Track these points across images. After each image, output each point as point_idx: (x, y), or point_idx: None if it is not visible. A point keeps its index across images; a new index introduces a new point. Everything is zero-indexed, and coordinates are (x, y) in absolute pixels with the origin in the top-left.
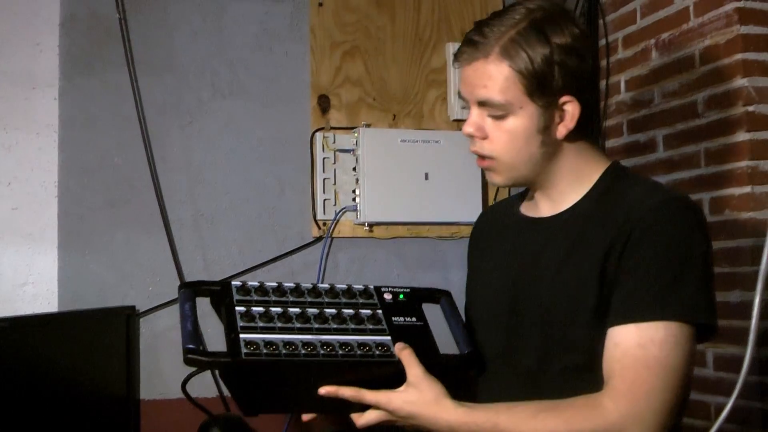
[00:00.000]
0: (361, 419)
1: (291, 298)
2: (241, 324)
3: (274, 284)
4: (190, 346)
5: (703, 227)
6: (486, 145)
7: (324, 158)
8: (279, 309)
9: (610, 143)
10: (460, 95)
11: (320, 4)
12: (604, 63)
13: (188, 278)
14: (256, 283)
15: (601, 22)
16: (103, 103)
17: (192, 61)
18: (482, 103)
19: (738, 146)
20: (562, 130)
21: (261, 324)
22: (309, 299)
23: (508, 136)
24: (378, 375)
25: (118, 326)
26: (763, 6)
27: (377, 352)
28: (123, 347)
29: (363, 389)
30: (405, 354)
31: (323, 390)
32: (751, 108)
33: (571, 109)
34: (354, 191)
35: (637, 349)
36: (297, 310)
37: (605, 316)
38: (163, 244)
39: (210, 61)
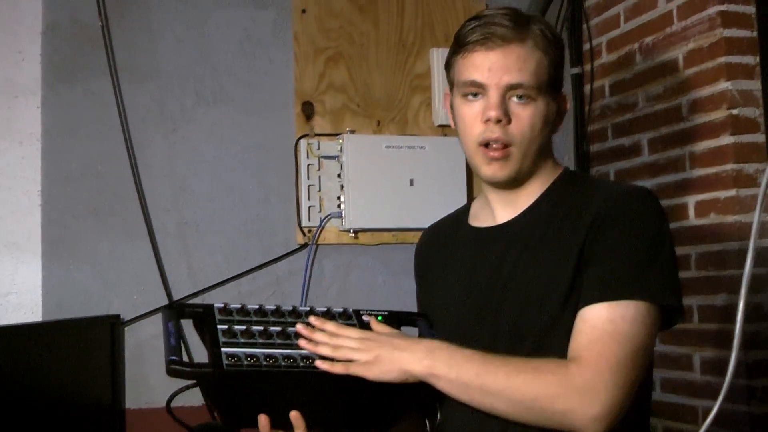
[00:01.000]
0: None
1: (272, 319)
2: (223, 339)
3: (255, 306)
4: (173, 357)
5: (665, 215)
6: (510, 129)
7: (308, 165)
8: (260, 327)
9: (595, 148)
10: (470, 83)
11: (303, 11)
12: (588, 67)
13: (173, 286)
14: (237, 305)
15: (584, 26)
16: (86, 111)
17: (175, 68)
18: (512, 87)
19: (722, 149)
20: (558, 125)
21: (242, 340)
22: (289, 320)
23: (530, 121)
24: (353, 385)
25: (102, 335)
26: (746, 9)
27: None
28: (108, 356)
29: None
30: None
31: (299, 327)
32: (735, 111)
33: (565, 106)
34: (339, 198)
35: (607, 323)
36: (278, 328)
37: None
38: (148, 253)
39: (193, 68)
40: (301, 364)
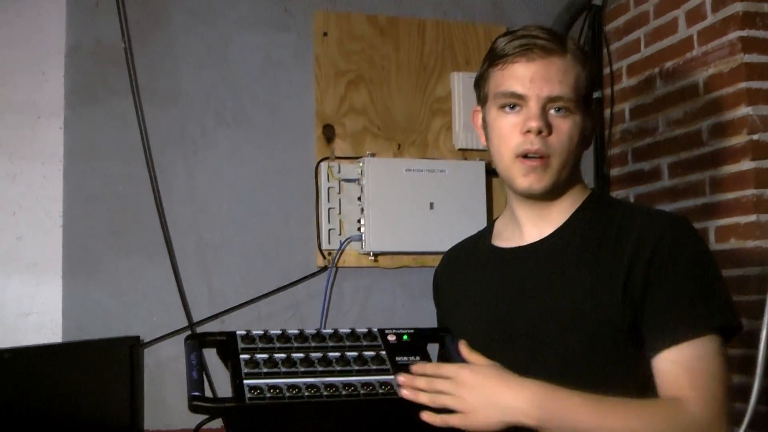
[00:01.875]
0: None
1: (295, 344)
2: (246, 371)
3: (278, 332)
4: (195, 393)
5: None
6: (550, 141)
7: (329, 188)
8: (283, 355)
9: (615, 172)
10: (509, 94)
11: (325, 34)
12: (608, 91)
13: (193, 308)
14: (260, 332)
15: (605, 50)
16: (108, 133)
17: (197, 91)
18: (552, 99)
19: (743, 175)
20: (590, 141)
21: (265, 370)
22: (313, 344)
23: (569, 133)
24: (383, 413)
25: (122, 356)
26: (766, 35)
27: (380, 391)
28: (127, 377)
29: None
30: (462, 347)
31: (400, 378)
32: (755, 136)
33: (597, 122)
34: (359, 221)
35: (699, 362)
36: (301, 355)
37: (632, 339)
38: (168, 274)
39: (215, 91)
40: (325, 393)
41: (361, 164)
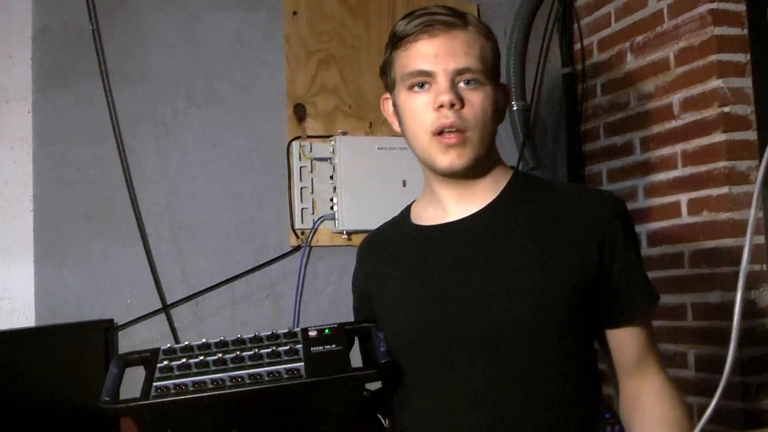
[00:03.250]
0: None
1: (214, 350)
2: (158, 375)
3: (200, 342)
4: (105, 398)
5: None
6: (464, 113)
7: (301, 167)
8: (198, 359)
9: (588, 147)
10: (416, 73)
11: (294, 13)
12: (579, 67)
13: (167, 290)
14: (183, 344)
15: (575, 26)
16: (78, 116)
17: (167, 72)
18: (460, 72)
19: (714, 147)
20: (503, 114)
21: (177, 373)
22: (232, 347)
23: (482, 105)
24: (290, 399)
25: (96, 340)
26: (737, 7)
27: (286, 376)
28: (102, 361)
29: None
30: None
31: None
32: (726, 109)
33: (508, 97)
34: (332, 200)
35: (651, 331)
36: (215, 357)
37: (577, 313)
38: (141, 257)
39: (185, 72)
40: (229, 384)
41: (332, 143)
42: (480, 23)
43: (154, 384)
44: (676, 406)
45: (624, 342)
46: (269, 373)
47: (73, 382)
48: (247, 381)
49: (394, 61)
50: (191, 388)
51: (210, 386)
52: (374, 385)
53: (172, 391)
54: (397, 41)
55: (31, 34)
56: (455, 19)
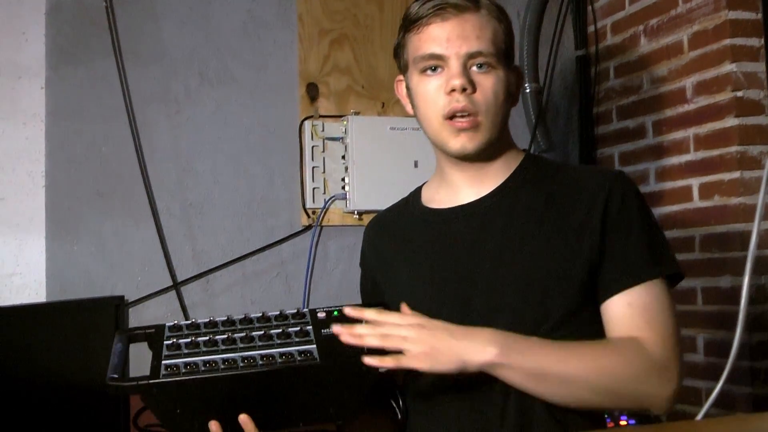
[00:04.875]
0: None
1: (221, 328)
2: (166, 353)
3: (206, 319)
4: (113, 375)
5: None
6: (475, 97)
7: (313, 147)
8: (206, 338)
9: (600, 130)
10: (428, 56)
11: None
12: (593, 50)
13: (177, 268)
14: (188, 322)
15: (589, 8)
16: (90, 93)
17: (179, 50)
18: (472, 56)
19: (727, 131)
20: (517, 97)
21: (186, 351)
22: (239, 326)
23: (494, 89)
24: (302, 380)
25: (106, 316)
26: None
27: (299, 358)
28: (112, 337)
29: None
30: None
31: (334, 328)
32: (739, 93)
33: (520, 79)
34: (343, 179)
35: (654, 303)
36: (224, 336)
37: (586, 293)
38: (152, 234)
39: (198, 50)
40: (241, 364)
41: (345, 123)
42: (493, 5)
43: (164, 362)
44: (627, 352)
45: (611, 311)
46: (282, 354)
47: (83, 359)
48: (260, 362)
49: (407, 43)
50: (203, 368)
51: (222, 366)
52: None
53: (183, 370)
54: (409, 24)
55: (44, 10)
56: (467, 2)
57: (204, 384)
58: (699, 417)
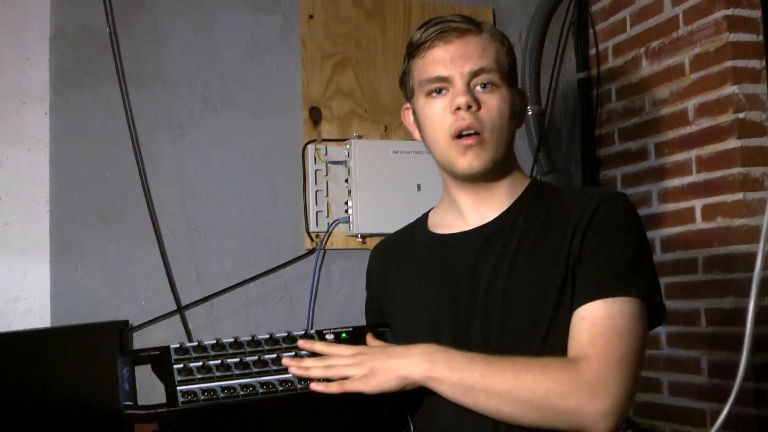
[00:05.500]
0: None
1: (230, 351)
2: (179, 378)
3: (212, 341)
4: (127, 402)
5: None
6: (480, 115)
7: (316, 170)
8: (217, 361)
9: (603, 151)
10: (434, 79)
11: (310, 16)
12: (594, 72)
13: (182, 292)
14: (194, 343)
15: (591, 31)
16: (94, 117)
17: (183, 74)
18: (475, 74)
19: (729, 153)
20: (522, 119)
21: (199, 376)
22: (248, 349)
23: (498, 107)
24: (321, 405)
25: (111, 341)
26: (752, 14)
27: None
28: (116, 362)
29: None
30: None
31: (285, 361)
32: (741, 115)
33: (526, 102)
34: (346, 203)
35: (607, 319)
36: (236, 360)
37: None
38: (156, 258)
39: (201, 74)
40: (261, 390)
41: (348, 146)
42: (494, 29)
43: (179, 388)
44: (554, 368)
45: (571, 326)
46: (300, 380)
47: (88, 383)
48: (279, 388)
49: (412, 69)
50: (221, 394)
51: (241, 393)
52: None
53: (202, 397)
54: (413, 50)
55: (48, 35)
56: (469, 26)
57: (225, 410)
58: None
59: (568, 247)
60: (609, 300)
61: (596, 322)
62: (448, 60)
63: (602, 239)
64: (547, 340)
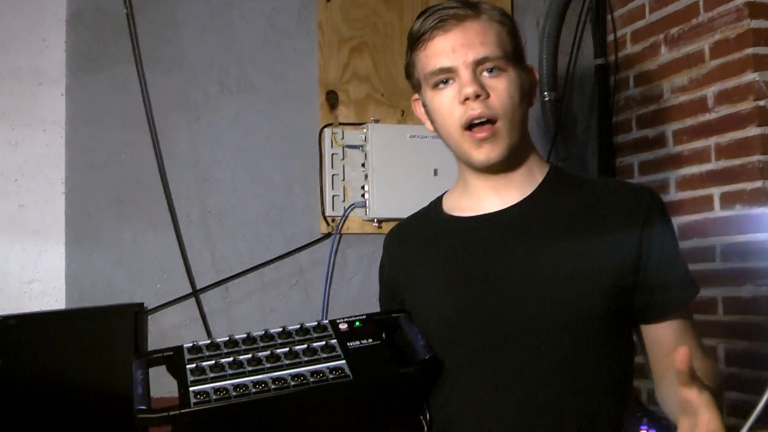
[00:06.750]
0: None
1: (243, 347)
2: (192, 378)
3: (225, 338)
4: (141, 407)
5: None
6: (491, 102)
7: (332, 154)
8: (230, 358)
9: (620, 139)
10: (438, 71)
11: (328, 0)
12: (612, 58)
13: (197, 276)
14: (207, 342)
15: (609, 17)
16: (110, 100)
17: (199, 57)
18: (480, 62)
19: (749, 141)
20: (532, 98)
21: (212, 375)
22: (261, 344)
23: (508, 91)
24: (336, 398)
25: (126, 323)
26: None
27: (331, 376)
28: (131, 344)
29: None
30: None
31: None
32: (761, 102)
33: (535, 79)
34: (363, 187)
35: (688, 325)
36: (248, 356)
37: (617, 305)
38: (171, 241)
39: (218, 57)
40: (273, 387)
41: (364, 130)
42: (493, 9)
43: (191, 389)
44: (709, 364)
45: (660, 334)
46: (313, 373)
47: (102, 365)
48: (292, 383)
49: (416, 62)
50: (233, 393)
51: (253, 390)
52: None
53: (214, 397)
54: (414, 42)
55: (65, 17)
56: (467, 11)
57: (237, 409)
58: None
59: (621, 240)
60: (688, 304)
61: (691, 327)
62: (450, 49)
63: (663, 246)
64: (590, 322)
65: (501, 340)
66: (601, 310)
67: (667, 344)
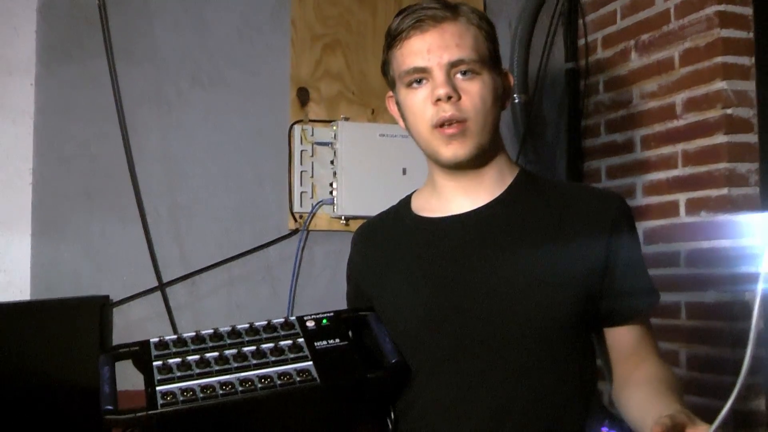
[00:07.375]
0: None
1: (210, 344)
2: (159, 377)
3: (192, 334)
4: (108, 407)
5: None
6: (462, 104)
7: (302, 151)
8: (197, 356)
9: (588, 143)
10: (412, 70)
11: None
12: (583, 63)
13: (164, 269)
14: (174, 337)
15: (580, 21)
16: (81, 91)
17: (172, 51)
18: (454, 64)
19: (716, 149)
20: (506, 102)
21: (179, 374)
22: (228, 341)
23: (480, 94)
24: (303, 401)
25: (91, 316)
26: (743, 10)
27: (298, 379)
28: (96, 337)
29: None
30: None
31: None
32: (729, 111)
33: (509, 83)
34: (331, 184)
35: (648, 330)
36: (215, 354)
37: (583, 302)
38: (139, 235)
39: (190, 52)
40: (240, 389)
41: (334, 128)
42: (472, 12)
43: (158, 389)
44: (667, 370)
45: (621, 338)
46: (280, 375)
47: (68, 357)
48: (259, 385)
49: (392, 60)
50: (201, 395)
51: (221, 392)
52: None
53: (181, 398)
54: (391, 40)
55: (36, 6)
56: (445, 12)
57: (204, 411)
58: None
59: (589, 244)
60: (648, 312)
61: (651, 332)
62: (425, 50)
63: (630, 252)
64: (560, 326)
65: (469, 343)
66: (570, 315)
67: (626, 347)
